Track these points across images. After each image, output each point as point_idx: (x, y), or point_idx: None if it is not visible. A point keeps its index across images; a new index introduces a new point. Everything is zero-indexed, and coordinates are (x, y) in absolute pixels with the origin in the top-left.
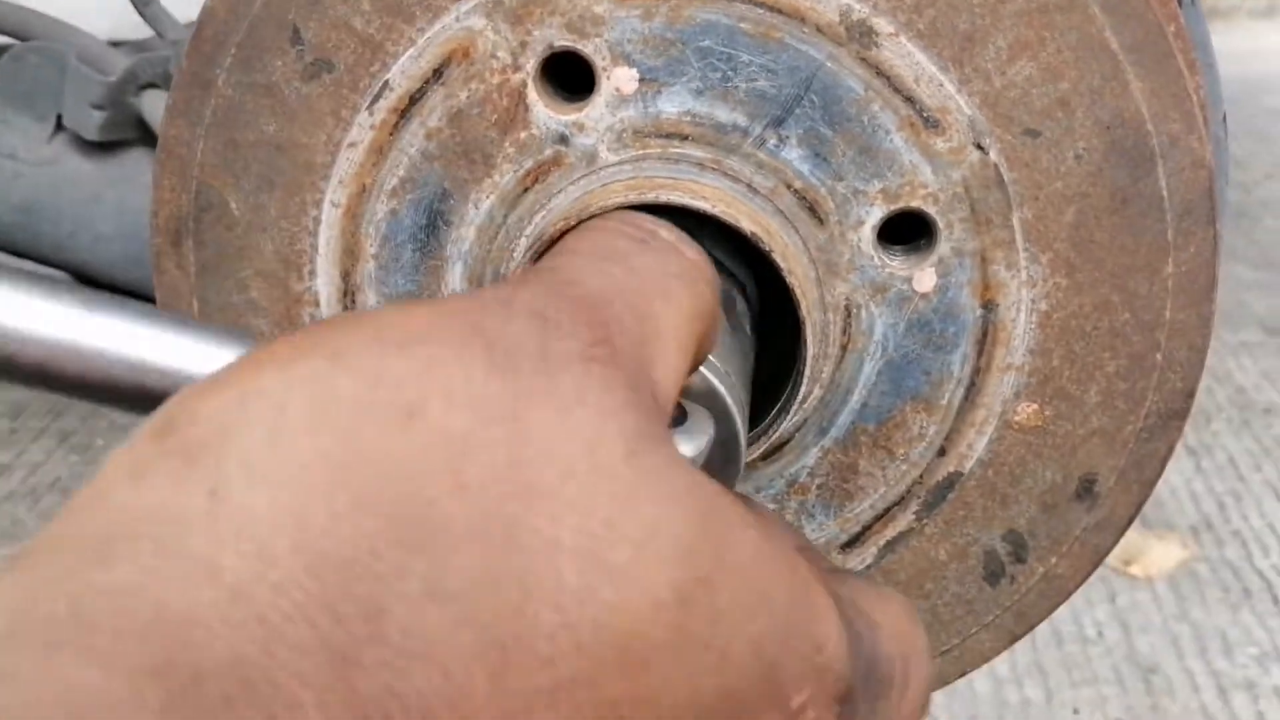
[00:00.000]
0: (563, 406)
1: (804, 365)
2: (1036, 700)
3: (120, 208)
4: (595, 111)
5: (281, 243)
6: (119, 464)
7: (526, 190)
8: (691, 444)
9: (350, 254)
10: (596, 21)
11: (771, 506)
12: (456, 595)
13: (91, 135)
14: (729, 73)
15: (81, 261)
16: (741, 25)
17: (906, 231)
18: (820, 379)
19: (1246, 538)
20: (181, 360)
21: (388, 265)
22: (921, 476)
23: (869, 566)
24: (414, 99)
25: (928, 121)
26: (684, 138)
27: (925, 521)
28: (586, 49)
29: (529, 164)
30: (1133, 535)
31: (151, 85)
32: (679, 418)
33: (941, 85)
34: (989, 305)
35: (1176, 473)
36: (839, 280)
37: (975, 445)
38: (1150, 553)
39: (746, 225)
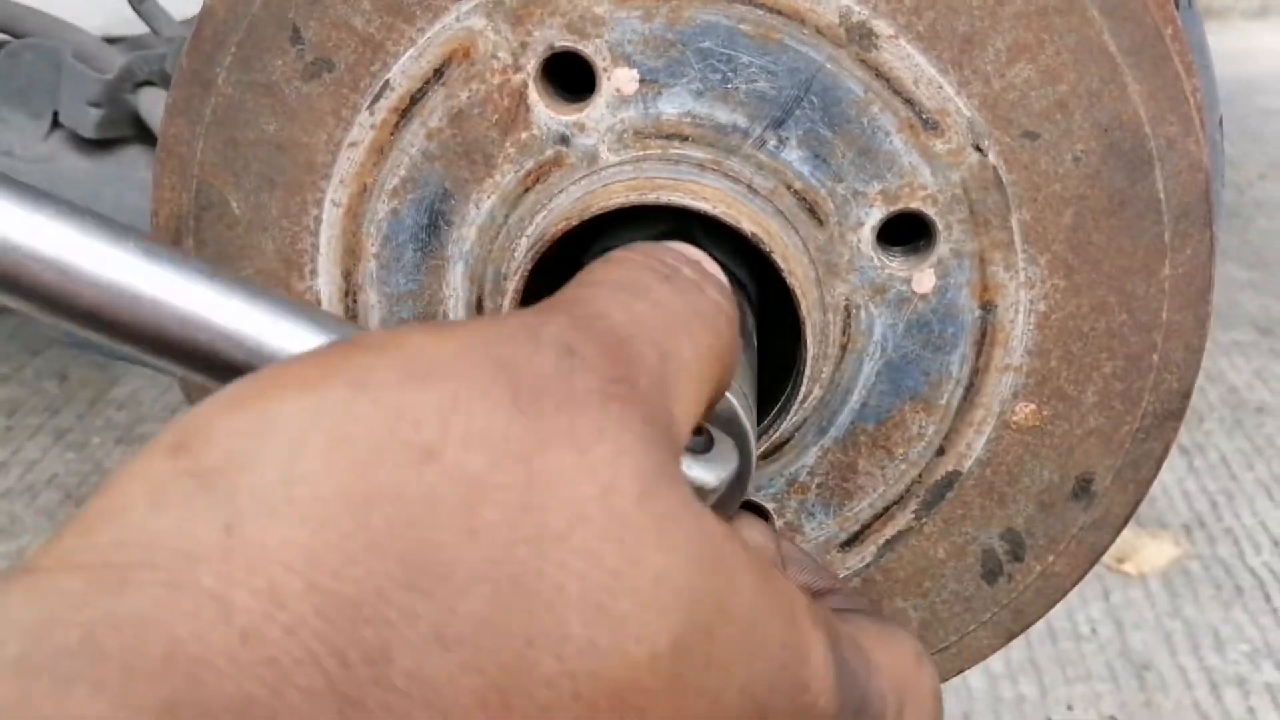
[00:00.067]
0: (581, 447)
1: (804, 365)
2: (1031, 696)
3: (117, 205)
4: (596, 112)
5: (282, 242)
6: (134, 478)
7: (527, 190)
8: (715, 474)
9: (351, 253)
10: (597, 22)
11: (771, 506)
12: (461, 641)
13: (88, 133)
14: (729, 74)
15: None
16: (741, 27)
17: (906, 232)
18: (820, 379)
19: (1238, 535)
20: (233, 321)
21: (389, 265)
22: (920, 476)
23: (868, 565)
24: (415, 99)
25: (927, 123)
26: (684, 138)
27: (924, 520)
28: (587, 50)
29: (530, 164)
30: (1126, 533)
31: (148, 83)
32: (706, 444)
33: (941, 87)
34: (987, 306)
35: (1169, 471)
36: (839, 281)
37: (974, 445)
38: (1143, 550)
39: (747, 226)
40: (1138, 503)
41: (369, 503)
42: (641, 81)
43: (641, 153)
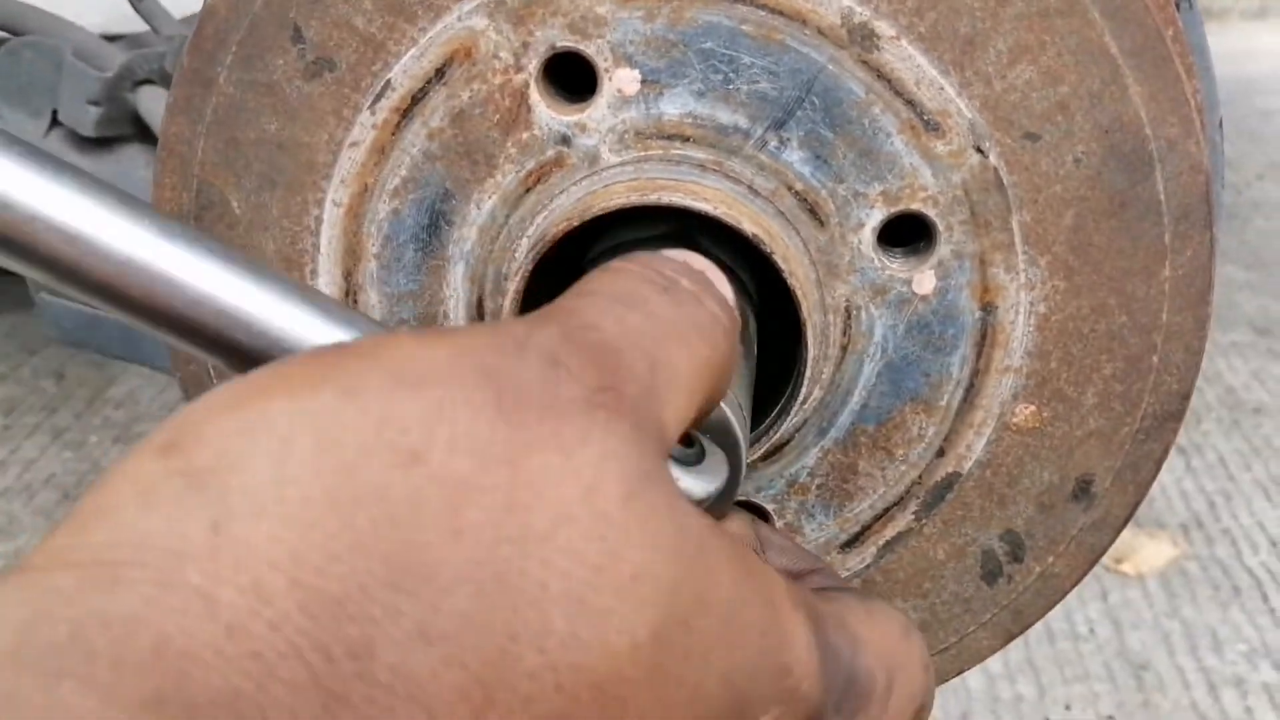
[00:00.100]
0: (565, 450)
1: (805, 366)
2: (1029, 697)
3: None
4: (597, 112)
5: (283, 242)
6: (126, 478)
7: (528, 191)
8: (704, 486)
9: (352, 253)
10: (599, 22)
11: (771, 507)
12: (445, 637)
13: (87, 131)
14: (731, 75)
15: None
16: (743, 27)
17: (906, 234)
18: (820, 380)
19: (1236, 536)
20: (242, 303)
21: (390, 265)
22: (920, 477)
23: (868, 566)
24: (416, 99)
25: (928, 124)
26: (685, 139)
27: (924, 522)
28: (589, 50)
29: (531, 164)
30: (1124, 533)
31: (147, 81)
32: (698, 456)
33: (942, 88)
34: (988, 307)
35: (1167, 471)
36: (839, 282)
37: (974, 446)
38: (1141, 551)
39: (748, 227)
40: (1137, 504)
41: (354, 503)
42: (643, 82)
43: (643, 153)
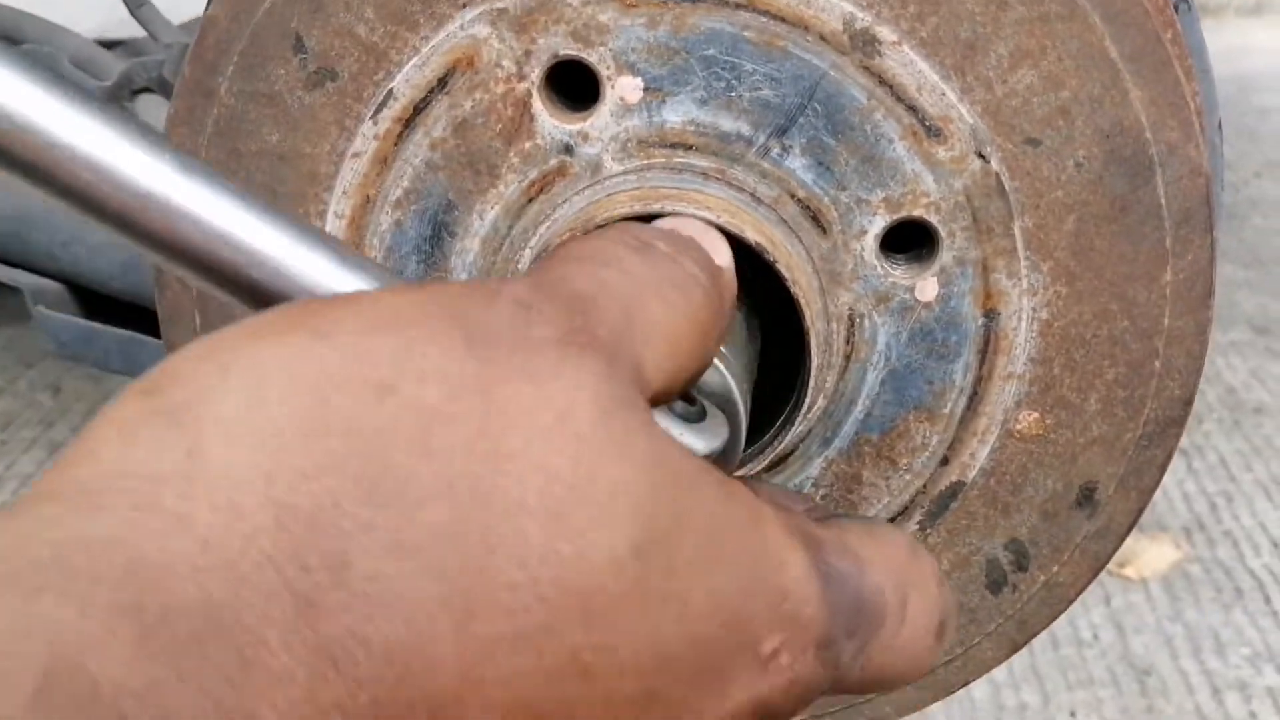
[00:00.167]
0: (537, 379)
1: (808, 376)
2: (1033, 704)
3: None
4: (600, 121)
5: None
6: (109, 420)
7: (531, 201)
8: (705, 443)
9: None
10: (601, 30)
11: None
12: (420, 548)
13: None
14: (733, 82)
15: (76, 270)
16: (745, 34)
17: (909, 241)
18: (824, 389)
19: (1238, 538)
20: (257, 241)
21: None
22: (925, 486)
23: None
24: (418, 108)
25: (930, 130)
26: (688, 147)
27: (929, 531)
28: (591, 58)
29: (534, 174)
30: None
31: (146, 89)
32: (699, 414)
33: (943, 94)
34: (990, 314)
35: (1169, 473)
36: (842, 290)
37: (977, 454)
38: (1144, 554)
39: (751, 235)
40: (1141, 510)
41: (325, 429)
42: (646, 90)
43: (645, 162)
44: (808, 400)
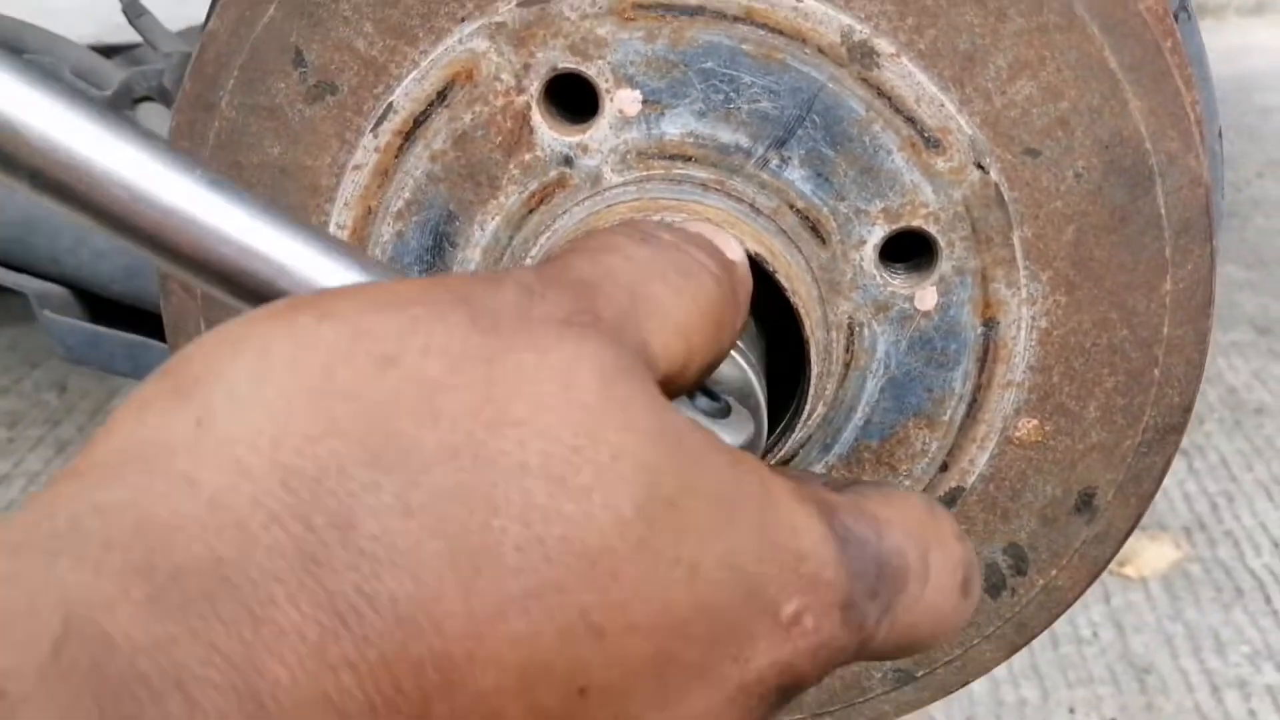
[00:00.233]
0: (540, 350)
1: (808, 383)
2: (1033, 700)
3: None
4: (599, 133)
5: None
6: (127, 403)
7: (531, 212)
8: (730, 437)
9: None
10: (599, 44)
11: None
12: (425, 508)
13: None
14: (731, 94)
15: (80, 276)
16: (743, 47)
17: (908, 250)
18: (824, 396)
19: (1239, 537)
20: (285, 256)
21: None
22: (924, 492)
23: None
24: (418, 121)
25: (929, 141)
26: (687, 159)
27: None
28: (590, 71)
29: (534, 186)
30: None
31: (146, 99)
32: (724, 410)
33: (942, 105)
34: (990, 323)
35: (1169, 474)
36: (842, 299)
37: (977, 461)
38: (1144, 553)
39: (750, 246)
40: (1139, 516)
41: (329, 398)
42: (644, 102)
43: (645, 173)
44: (808, 407)
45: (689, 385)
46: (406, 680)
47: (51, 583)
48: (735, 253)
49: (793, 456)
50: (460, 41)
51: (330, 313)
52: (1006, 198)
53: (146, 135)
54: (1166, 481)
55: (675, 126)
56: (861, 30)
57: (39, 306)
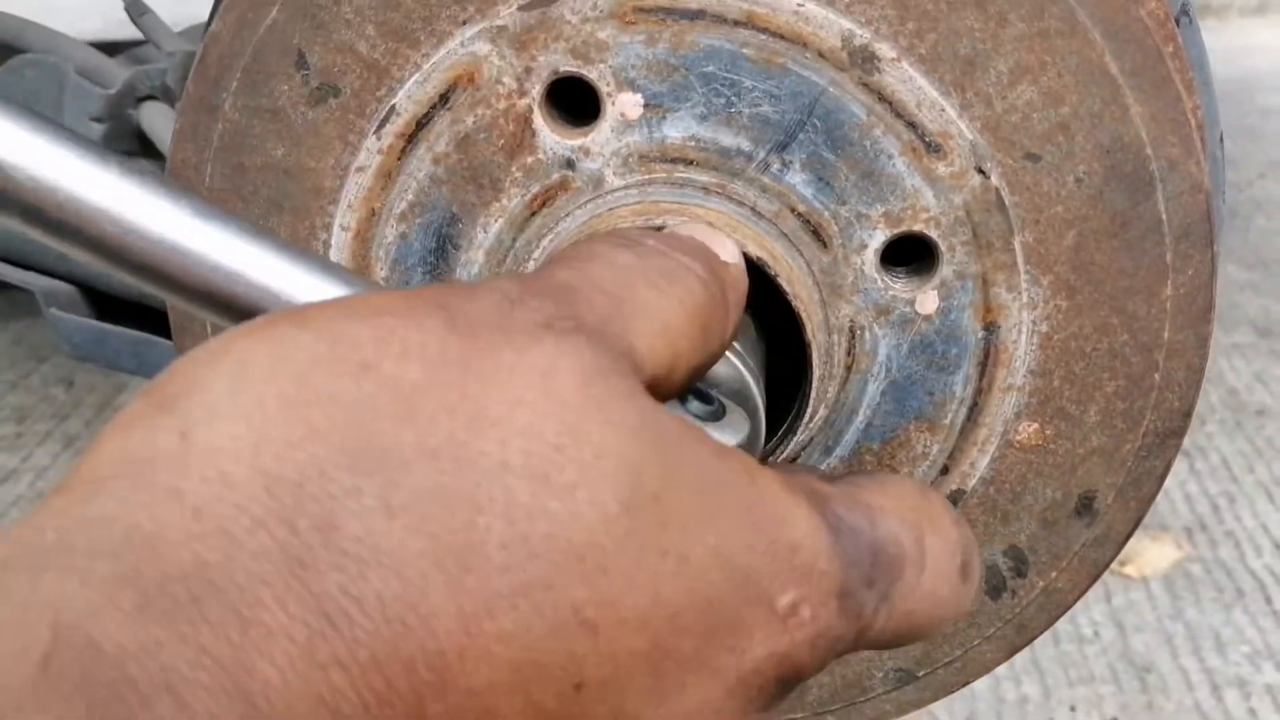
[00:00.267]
0: (519, 350)
1: (809, 386)
2: (1034, 698)
3: None
4: (601, 136)
5: None
6: (115, 421)
7: (534, 214)
8: (726, 438)
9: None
10: (601, 47)
11: None
12: (406, 509)
13: None
14: (733, 98)
15: (85, 274)
16: (744, 51)
17: (909, 254)
18: (826, 399)
19: (1239, 538)
20: (274, 279)
21: (398, 289)
22: None
23: None
24: (421, 124)
25: (929, 146)
26: (689, 162)
27: None
28: (591, 75)
29: (536, 188)
30: None
31: (150, 97)
32: (719, 413)
33: (943, 110)
34: (990, 327)
35: (1170, 475)
36: (843, 302)
37: (977, 464)
38: (1145, 553)
39: (752, 249)
40: (1140, 519)
41: (307, 404)
42: (646, 106)
43: (646, 176)
44: (809, 410)
45: (678, 388)
46: (399, 679)
47: (39, 595)
48: (730, 255)
49: (794, 459)
50: (462, 45)
51: (307, 323)
52: (1007, 202)
53: (134, 169)
54: (1168, 482)
55: (677, 130)
56: (862, 35)
57: (46, 304)
